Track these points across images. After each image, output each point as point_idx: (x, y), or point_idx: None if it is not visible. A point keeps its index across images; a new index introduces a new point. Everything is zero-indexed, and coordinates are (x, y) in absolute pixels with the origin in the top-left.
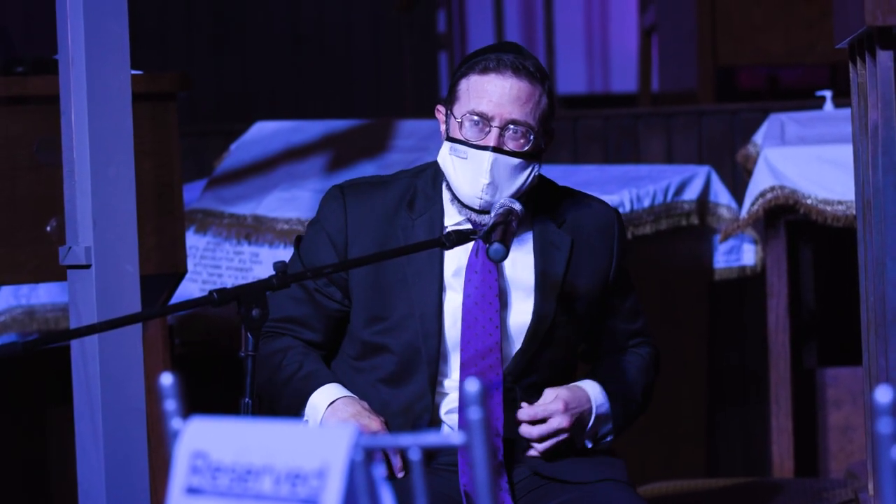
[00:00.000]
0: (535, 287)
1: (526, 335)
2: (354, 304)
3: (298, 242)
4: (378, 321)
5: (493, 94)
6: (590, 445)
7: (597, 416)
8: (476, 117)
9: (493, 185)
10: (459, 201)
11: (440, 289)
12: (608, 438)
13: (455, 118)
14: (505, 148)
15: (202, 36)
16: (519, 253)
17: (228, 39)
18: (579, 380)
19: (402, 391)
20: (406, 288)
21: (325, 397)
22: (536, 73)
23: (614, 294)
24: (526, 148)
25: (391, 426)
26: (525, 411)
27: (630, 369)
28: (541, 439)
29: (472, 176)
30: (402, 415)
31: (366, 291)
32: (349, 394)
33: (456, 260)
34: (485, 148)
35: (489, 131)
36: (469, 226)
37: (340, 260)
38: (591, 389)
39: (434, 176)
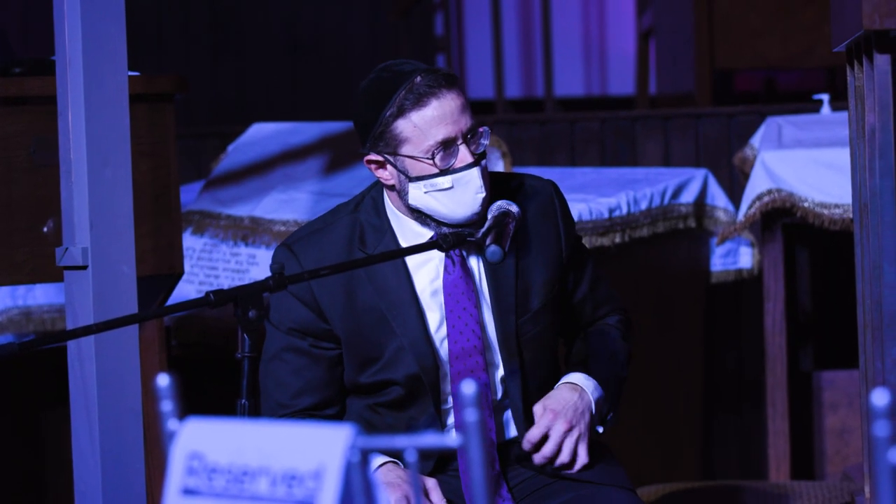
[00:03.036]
0: (490, 289)
1: (501, 337)
2: (345, 352)
3: (267, 319)
4: (372, 363)
5: (444, 117)
6: (601, 430)
7: (595, 402)
8: (443, 147)
9: (487, 195)
10: (450, 225)
11: (420, 313)
12: (610, 416)
13: (416, 158)
14: (477, 154)
15: (199, 41)
16: (472, 258)
17: (226, 44)
18: (563, 372)
19: (407, 413)
20: (386, 323)
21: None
22: (451, 74)
23: (573, 268)
24: (486, 144)
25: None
26: (526, 438)
27: (608, 345)
28: (555, 454)
29: (465, 198)
30: (408, 433)
31: (351, 338)
32: (390, 459)
33: (428, 281)
34: (469, 166)
35: (456, 150)
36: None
37: (317, 315)
38: (578, 380)
39: (374, 205)
